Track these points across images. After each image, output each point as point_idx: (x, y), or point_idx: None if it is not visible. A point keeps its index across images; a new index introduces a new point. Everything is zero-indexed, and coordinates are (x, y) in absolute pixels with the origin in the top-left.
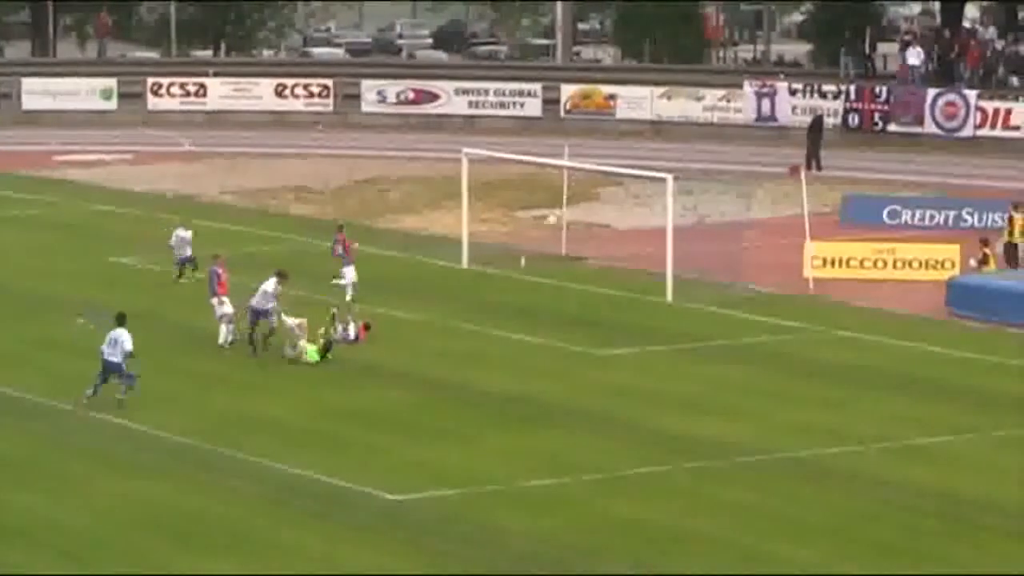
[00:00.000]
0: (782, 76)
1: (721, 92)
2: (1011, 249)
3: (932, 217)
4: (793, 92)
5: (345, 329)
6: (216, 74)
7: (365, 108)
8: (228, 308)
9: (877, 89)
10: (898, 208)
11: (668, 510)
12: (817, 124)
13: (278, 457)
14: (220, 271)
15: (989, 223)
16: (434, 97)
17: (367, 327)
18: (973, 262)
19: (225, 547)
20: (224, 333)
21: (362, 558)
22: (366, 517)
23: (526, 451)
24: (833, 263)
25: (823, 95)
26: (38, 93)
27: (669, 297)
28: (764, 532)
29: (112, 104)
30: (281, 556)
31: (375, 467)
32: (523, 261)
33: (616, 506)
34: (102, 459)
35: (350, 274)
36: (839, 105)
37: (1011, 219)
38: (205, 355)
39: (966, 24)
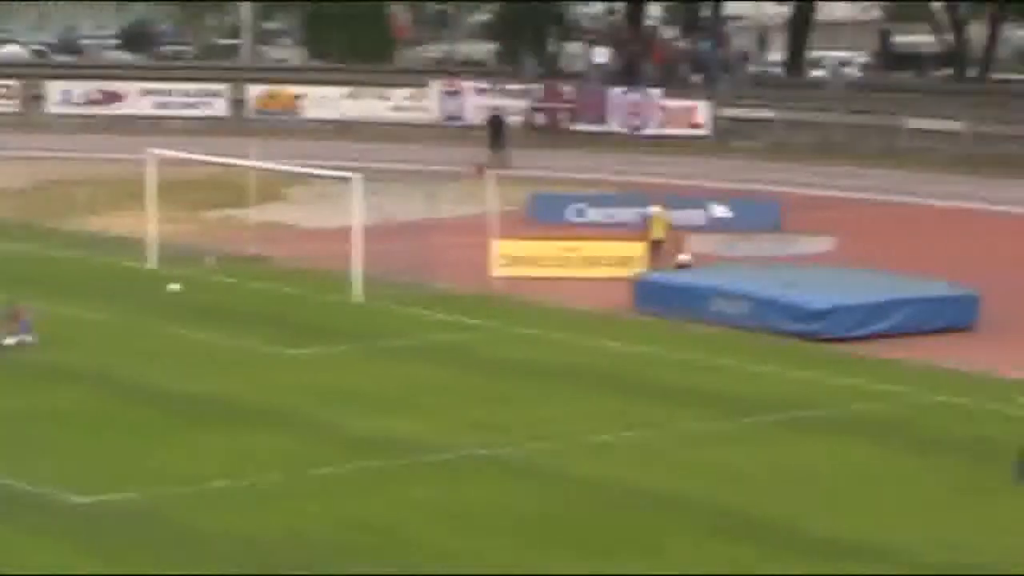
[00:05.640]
0: (467, 76)
1: (407, 92)
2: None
3: (617, 215)
4: (480, 92)
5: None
6: None
7: (50, 109)
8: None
9: (562, 88)
10: (584, 206)
11: (374, 508)
12: (496, 122)
13: None
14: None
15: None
16: (119, 98)
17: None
18: (683, 258)
19: None
20: None
21: (40, 559)
22: (47, 520)
23: (212, 451)
24: (520, 262)
25: (509, 94)
26: None
27: (358, 296)
28: (456, 529)
29: None
30: None
31: (58, 468)
32: (212, 260)
33: (308, 505)
34: None
35: None
36: (525, 104)
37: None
38: None
39: (649, 23)
